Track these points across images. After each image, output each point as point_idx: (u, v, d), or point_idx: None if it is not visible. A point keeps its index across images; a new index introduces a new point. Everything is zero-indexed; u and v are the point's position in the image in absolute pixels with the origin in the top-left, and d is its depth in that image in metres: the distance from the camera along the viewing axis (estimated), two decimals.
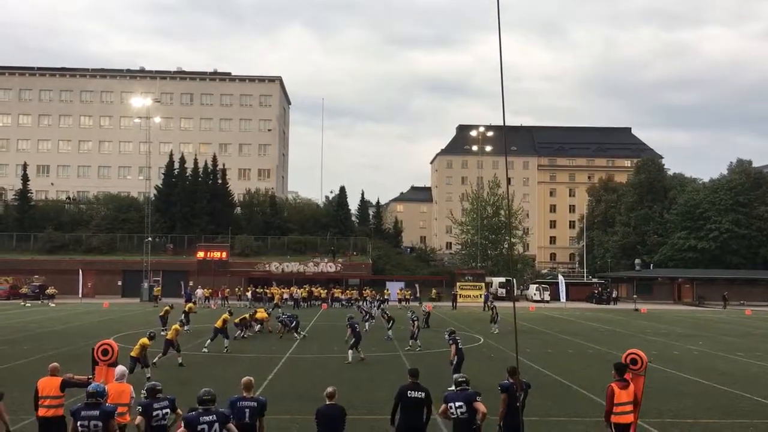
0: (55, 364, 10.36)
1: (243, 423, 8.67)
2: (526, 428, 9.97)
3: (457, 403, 8.85)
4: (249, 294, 55.49)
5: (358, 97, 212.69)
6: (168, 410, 8.93)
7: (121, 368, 10.17)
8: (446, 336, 17.95)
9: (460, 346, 17.13)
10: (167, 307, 30.73)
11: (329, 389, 8.97)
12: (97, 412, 8.04)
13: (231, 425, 7.99)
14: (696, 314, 53.04)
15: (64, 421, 10.23)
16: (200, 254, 63.26)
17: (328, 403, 8.84)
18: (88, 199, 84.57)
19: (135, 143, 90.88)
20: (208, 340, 24.43)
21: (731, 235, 75.14)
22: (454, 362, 16.90)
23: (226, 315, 25.67)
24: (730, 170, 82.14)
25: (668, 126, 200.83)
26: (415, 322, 25.43)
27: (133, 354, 17.35)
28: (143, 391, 9.29)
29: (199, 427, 7.74)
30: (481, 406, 8.87)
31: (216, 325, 24.84)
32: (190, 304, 33.94)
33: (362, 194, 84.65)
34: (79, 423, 8.02)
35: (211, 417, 7.82)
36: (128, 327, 32.43)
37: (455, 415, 8.88)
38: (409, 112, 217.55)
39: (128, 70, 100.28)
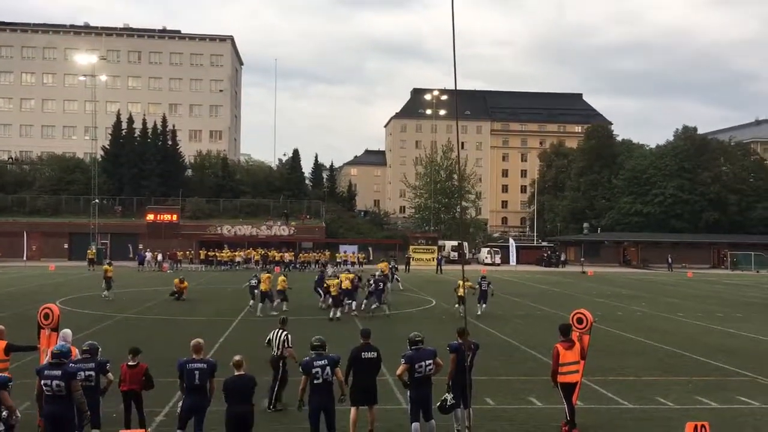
0: (1, 326, 10.13)
1: (194, 385, 8.71)
2: (474, 387, 10.22)
3: (427, 362, 9.38)
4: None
5: (311, 58, 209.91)
6: (92, 372, 8.83)
7: (66, 331, 9.99)
8: (479, 281, 24.02)
9: (484, 289, 24.22)
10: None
11: (236, 358, 8.64)
12: (59, 372, 8.05)
13: (338, 370, 9.07)
14: (641, 276, 54.71)
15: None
16: (150, 217, 62.17)
17: (236, 373, 8.49)
18: (32, 159, 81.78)
19: (80, 102, 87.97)
20: (260, 304, 23.91)
21: (675, 200, 77.26)
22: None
23: (282, 278, 25.32)
24: (676, 136, 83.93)
25: (618, 92, 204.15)
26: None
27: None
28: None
29: (314, 371, 8.88)
30: (439, 361, 9.60)
31: (279, 289, 24.73)
32: (106, 267, 29.70)
33: (316, 157, 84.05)
34: (42, 382, 8.09)
35: (323, 361, 9.00)
36: (75, 290, 31.77)
37: (422, 374, 9.30)
38: (363, 75, 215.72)
39: (72, 26, 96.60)
